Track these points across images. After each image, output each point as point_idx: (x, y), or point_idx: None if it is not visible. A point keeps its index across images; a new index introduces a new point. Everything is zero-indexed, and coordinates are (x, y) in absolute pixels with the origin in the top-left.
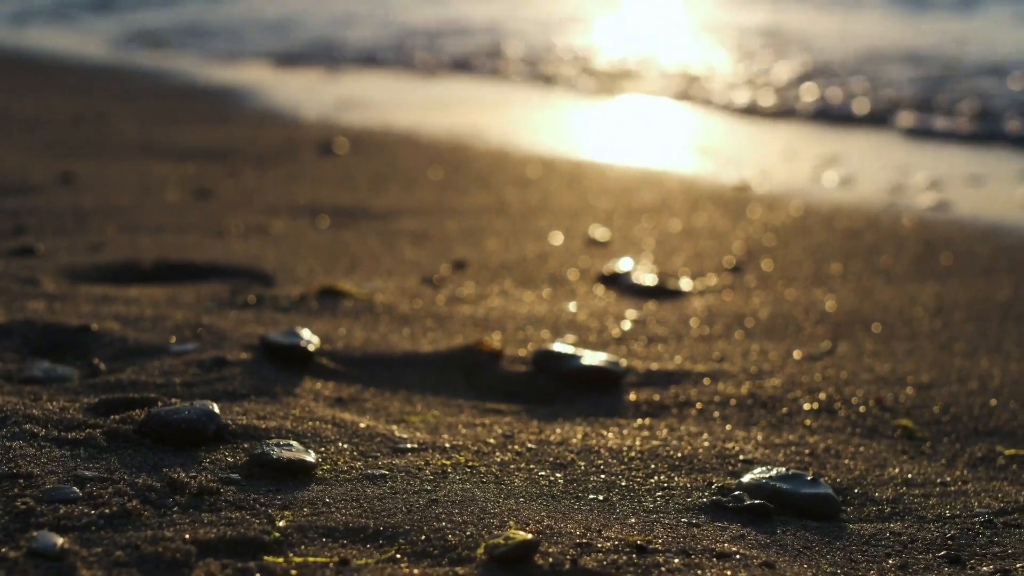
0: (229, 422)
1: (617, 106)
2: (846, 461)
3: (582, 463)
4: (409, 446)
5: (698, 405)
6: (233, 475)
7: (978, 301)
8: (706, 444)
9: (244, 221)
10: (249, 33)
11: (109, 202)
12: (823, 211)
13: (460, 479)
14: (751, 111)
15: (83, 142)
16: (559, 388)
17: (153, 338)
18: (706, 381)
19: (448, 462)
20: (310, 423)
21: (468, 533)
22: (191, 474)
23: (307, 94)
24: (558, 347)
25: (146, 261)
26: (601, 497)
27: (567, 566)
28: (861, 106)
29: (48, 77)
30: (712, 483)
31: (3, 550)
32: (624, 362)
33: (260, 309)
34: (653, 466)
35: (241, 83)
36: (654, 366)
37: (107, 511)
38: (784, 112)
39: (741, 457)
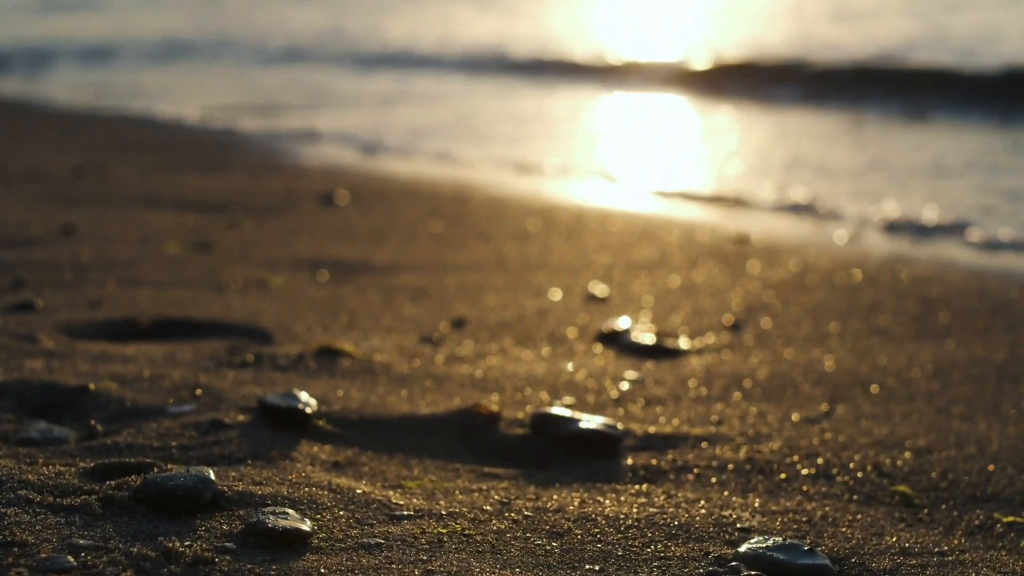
0: (225, 488)
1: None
2: (843, 529)
3: (579, 532)
4: (405, 513)
5: (696, 470)
6: (228, 544)
7: (976, 362)
8: (703, 511)
9: (243, 275)
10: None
11: (109, 255)
12: (822, 266)
13: (456, 548)
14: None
15: (84, 193)
16: (557, 452)
17: (150, 399)
18: (704, 445)
19: (444, 530)
20: (306, 489)
21: None
22: (186, 543)
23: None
24: (556, 410)
25: (145, 317)
26: (598, 567)
27: None
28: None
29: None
30: (709, 553)
31: None
32: (622, 425)
33: (258, 368)
34: (650, 535)
35: (239, 130)
36: (652, 429)
37: None
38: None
39: (738, 525)
